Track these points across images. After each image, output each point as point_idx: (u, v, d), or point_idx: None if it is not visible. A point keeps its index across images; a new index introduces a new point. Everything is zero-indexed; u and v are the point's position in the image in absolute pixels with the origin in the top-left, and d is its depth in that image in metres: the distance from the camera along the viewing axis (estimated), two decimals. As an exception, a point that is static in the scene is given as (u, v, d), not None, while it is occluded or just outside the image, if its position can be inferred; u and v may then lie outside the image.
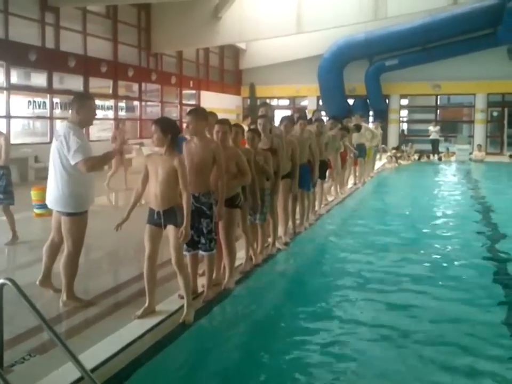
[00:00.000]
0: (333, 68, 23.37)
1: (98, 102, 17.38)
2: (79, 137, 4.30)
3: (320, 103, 25.43)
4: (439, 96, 26.15)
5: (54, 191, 4.38)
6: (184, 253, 4.45)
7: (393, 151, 20.87)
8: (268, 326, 4.68)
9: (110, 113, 18.05)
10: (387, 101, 25.74)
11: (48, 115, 15.42)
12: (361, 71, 24.16)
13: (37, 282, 4.67)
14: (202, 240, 4.50)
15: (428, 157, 22.94)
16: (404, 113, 27.69)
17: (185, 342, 3.99)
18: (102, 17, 17.69)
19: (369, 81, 24.31)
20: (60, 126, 4.60)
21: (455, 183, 16.55)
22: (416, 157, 22.71)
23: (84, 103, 4.46)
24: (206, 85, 23.80)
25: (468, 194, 13.81)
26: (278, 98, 28.96)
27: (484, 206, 11.51)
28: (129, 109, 19.18)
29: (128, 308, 4.43)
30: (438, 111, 26.75)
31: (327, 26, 20.10)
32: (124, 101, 18.96)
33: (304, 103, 27.60)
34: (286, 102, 28.90)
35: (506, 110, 25.19)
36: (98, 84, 17.57)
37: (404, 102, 27.13)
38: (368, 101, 24.75)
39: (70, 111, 4.50)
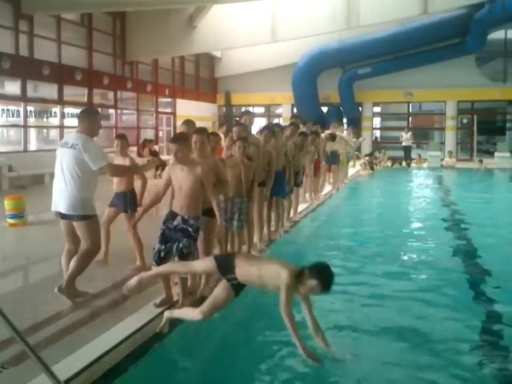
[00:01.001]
0: (307, 76, 23.67)
1: (72, 110, 17.33)
2: (96, 145, 4.74)
3: (295, 110, 25.71)
4: (411, 104, 26.71)
5: (69, 196, 4.63)
6: (153, 266, 4.49)
7: (367, 158, 21.19)
8: (240, 335, 4.70)
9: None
10: (360, 108, 26.17)
11: (22, 123, 15.31)
12: (335, 79, 24.53)
13: (56, 290, 4.69)
14: (176, 258, 4.48)
15: (400, 163, 23.35)
16: (377, 120, 28.18)
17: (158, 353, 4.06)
18: (76, 25, 17.67)
19: (343, 89, 24.68)
20: (70, 136, 4.89)
21: (427, 189, 16.89)
22: (389, 163, 23.11)
23: (95, 117, 4.91)
24: (181, 92, 23.86)
25: (439, 200, 14.15)
26: (254, 106, 29.13)
27: (454, 211, 11.81)
28: (105, 117, 19.09)
29: (104, 317, 4.45)
30: (410, 118, 27.30)
31: (301, 35, 20.39)
32: (99, 109, 18.88)
33: (279, 111, 27.88)
34: (261, 110, 29.14)
35: (475, 117, 25.85)
36: (73, 92, 17.50)
37: (377, 109, 27.61)
38: (341, 108, 25.12)
39: (79, 123, 4.83)
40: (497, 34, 24.39)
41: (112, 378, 3.59)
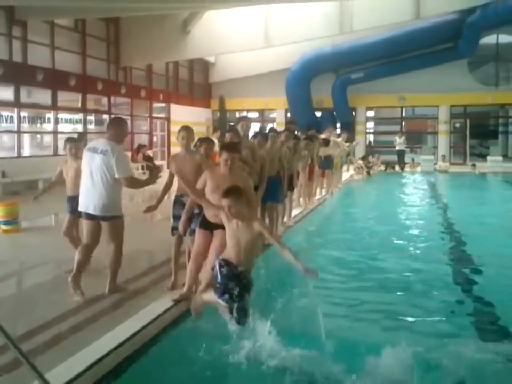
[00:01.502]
0: (301, 80, 23.78)
1: (66, 116, 17.34)
2: (124, 154, 5.14)
3: (289, 115, 25.80)
4: (404, 108, 26.85)
5: (99, 199, 4.98)
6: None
7: (360, 161, 21.27)
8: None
9: (79, 127, 17.98)
10: (354, 113, 26.28)
11: (16, 129, 15.30)
12: (328, 83, 24.64)
13: (70, 279, 5.05)
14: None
15: (394, 167, 23.44)
16: (370, 125, 28.30)
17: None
18: (70, 31, 17.70)
19: (336, 94, 24.79)
20: (99, 142, 5.22)
21: (420, 193, 16.97)
22: (382, 167, 23.20)
23: (121, 126, 5.31)
24: (175, 98, 23.90)
25: (432, 204, 14.23)
26: (248, 111, 29.22)
27: (448, 216, 11.88)
28: (99, 122, 19.12)
29: (103, 320, 4.50)
30: (403, 122, 27.43)
31: (294, 40, 20.50)
32: (93, 114, 18.92)
33: (273, 115, 27.96)
34: (255, 115, 29.22)
35: (468, 121, 26.02)
36: (67, 97, 17.51)
37: (370, 114, 27.74)
38: (335, 113, 25.22)
39: (107, 130, 5.22)
40: (489, 39, 24.58)
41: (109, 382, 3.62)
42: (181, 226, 5.27)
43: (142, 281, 5.76)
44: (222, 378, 4.03)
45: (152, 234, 8.38)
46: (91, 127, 18.56)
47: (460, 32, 22.47)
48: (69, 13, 15.78)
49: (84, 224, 5.19)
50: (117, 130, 5.20)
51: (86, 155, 5.14)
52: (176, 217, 5.38)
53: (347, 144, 17.37)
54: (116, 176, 4.95)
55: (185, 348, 4.21)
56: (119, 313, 4.71)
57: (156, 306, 4.82)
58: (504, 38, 24.88)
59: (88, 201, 5.03)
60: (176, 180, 5.32)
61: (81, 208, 5.13)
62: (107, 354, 3.80)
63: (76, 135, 13.93)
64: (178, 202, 5.48)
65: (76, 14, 16.66)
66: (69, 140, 6.35)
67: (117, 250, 5.17)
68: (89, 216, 5.08)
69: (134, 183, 5.25)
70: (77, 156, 6.09)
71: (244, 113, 29.60)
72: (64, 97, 17.25)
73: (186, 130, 5.48)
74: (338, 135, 17.04)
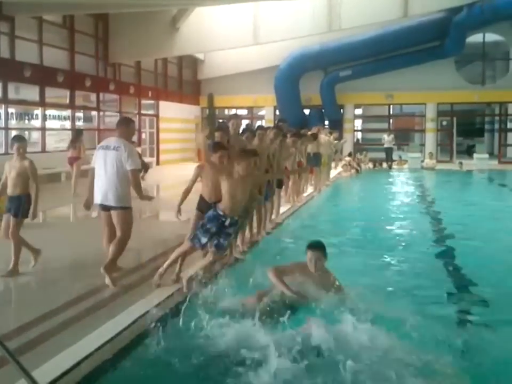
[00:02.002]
0: (289, 78, 23.88)
1: (54, 112, 17.30)
2: (134, 150, 5.64)
3: (278, 113, 25.91)
4: (391, 106, 27.07)
5: (114, 190, 5.40)
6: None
7: (348, 158, 21.40)
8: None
9: (67, 124, 17.93)
10: (342, 110, 26.44)
11: (3, 126, 15.24)
12: (317, 81, 24.77)
13: (102, 269, 5.39)
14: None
15: (381, 164, 23.62)
16: (358, 122, 28.50)
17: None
18: (58, 27, 17.64)
19: (324, 92, 24.93)
20: (111, 140, 5.65)
21: (407, 190, 17.16)
22: (370, 165, 23.37)
23: (129, 125, 5.77)
24: (164, 95, 23.88)
25: (419, 200, 14.42)
26: (236, 108, 29.27)
27: (435, 212, 12.04)
28: (87, 119, 19.09)
29: (87, 320, 4.47)
30: (391, 120, 27.66)
31: (283, 38, 20.61)
32: (82, 111, 18.87)
33: (262, 113, 28.05)
34: (244, 112, 29.29)
35: (455, 119, 26.29)
36: (55, 94, 17.46)
37: (358, 111, 27.92)
38: (323, 110, 25.36)
39: (117, 129, 5.73)
40: (475, 38, 24.85)
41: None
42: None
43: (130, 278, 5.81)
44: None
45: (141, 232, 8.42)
46: (79, 123, 18.51)
47: (447, 31, 22.70)
48: (57, 9, 15.73)
49: (102, 217, 5.64)
50: (126, 129, 5.68)
51: (99, 153, 5.53)
52: (206, 231, 5.34)
53: (335, 142, 17.51)
54: (127, 168, 5.38)
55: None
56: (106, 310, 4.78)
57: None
58: (490, 37, 25.19)
59: (104, 194, 5.43)
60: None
61: (97, 200, 5.52)
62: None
63: (74, 132, 13.94)
64: (216, 218, 5.39)
65: (64, 10, 16.62)
66: (16, 139, 6.15)
67: (122, 239, 5.50)
68: (104, 207, 5.51)
69: (138, 178, 5.63)
70: (23, 156, 5.99)
71: (233, 111, 29.71)
72: (52, 94, 17.21)
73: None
74: (330, 133, 17.19)
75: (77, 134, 13.87)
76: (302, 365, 3.74)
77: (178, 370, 3.84)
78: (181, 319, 4.48)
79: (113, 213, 5.45)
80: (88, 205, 5.73)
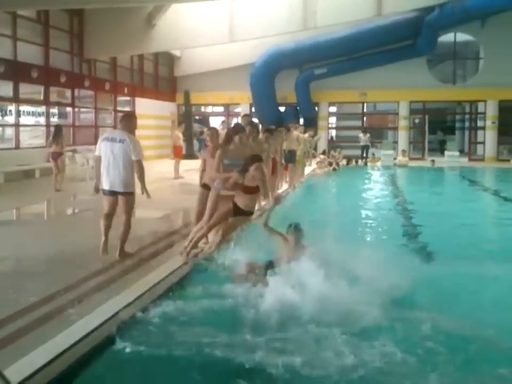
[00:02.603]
0: (265, 76, 24.05)
1: (28, 108, 17.16)
2: (138, 142, 6.31)
3: (253, 110, 26.09)
4: (365, 104, 27.48)
5: (122, 178, 6.19)
6: None
7: (323, 156, 21.69)
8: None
9: (42, 120, 17.82)
10: (316, 108, 26.75)
11: (-23, 121, 15.11)
12: (292, 79, 25.02)
13: (101, 252, 6.27)
14: None
15: (356, 162, 23.99)
16: (333, 120, 28.85)
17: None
18: (32, 22, 17.47)
19: (299, 90, 25.20)
20: (115, 132, 6.49)
21: (381, 186, 17.54)
22: (344, 162, 23.71)
23: (131, 120, 6.52)
24: (140, 91, 23.85)
25: (391, 195, 14.79)
26: (213, 105, 29.44)
27: (406, 208, 12.40)
28: (62, 115, 18.97)
29: (61, 317, 4.44)
30: (365, 118, 28.07)
31: (259, 36, 20.76)
32: (56, 107, 18.75)
33: (238, 110, 28.17)
34: (220, 109, 29.44)
35: (427, 117, 26.85)
36: (29, 90, 17.33)
37: (333, 109, 28.27)
38: (298, 108, 25.63)
39: (120, 123, 6.46)
40: (447, 37, 25.39)
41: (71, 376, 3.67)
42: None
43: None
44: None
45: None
46: (54, 120, 18.40)
47: (419, 30, 23.13)
48: (32, 3, 15.52)
49: (106, 200, 6.38)
50: (129, 123, 6.42)
51: (105, 144, 6.25)
52: None
53: (310, 139, 17.75)
54: (133, 158, 6.17)
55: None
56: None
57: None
58: (461, 37, 25.76)
59: (111, 181, 6.21)
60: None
61: (105, 186, 6.27)
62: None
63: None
64: None
65: (39, 5, 16.45)
66: None
67: (127, 222, 6.36)
68: (112, 193, 6.29)
69: (142, 167, 6.33)
70: None
71: (209, 108, 29.85)
72: (26, 90, 17.07)
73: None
74: (305, 132, 17.42)
75: (57, 130, 13.90)
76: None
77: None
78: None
79: (120, 198, 6.30)
80: (97, 189, 6.39)
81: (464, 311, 4.82)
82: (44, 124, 17.77)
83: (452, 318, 4.59)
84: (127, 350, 4.01)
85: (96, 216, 10.21)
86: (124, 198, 6.29)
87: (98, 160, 6.29)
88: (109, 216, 6.43)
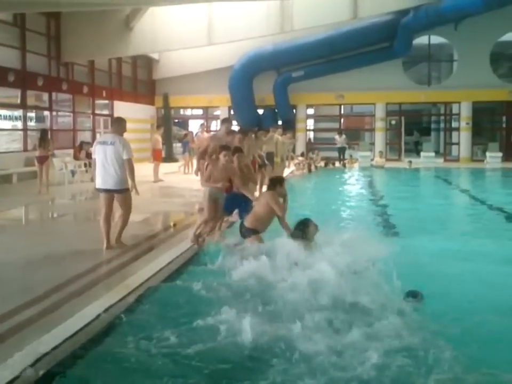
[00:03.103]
0: (243, 78, 24.22)
1: (4, 112, 17.06)
2: (128, 142, 6.98)
3: (232, 112, 26.23)
4: (342, 106, 27.80)
5: (114, 177, 6.82)
6: None
7: (301, 158, 21.91)
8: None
9: (19, 124, 17.71)
10: (294, 110, 26.99)
11: (-47, 126, 14.97)
12: (270, 82, 25.23)
13: (104, 248, 6.90)
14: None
15: (334, 164, 24.21)
16: (310, 122, 29.13)
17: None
18: (9, 25, 17.37)
19: (278, 92, 25.41)
20: (107, 136, 7.32)
21: (358, 186, 17.82)
22: (322, 164, 23.92)
23: (121, 123, 7.17)
24: (119, 94, 23.81)
25: (369, 197, 15.03)
26: (192, 108, 29.51)
27: (383, 208, 12.65)
28: (39, 119, 18.88)
29: (38, 324, 4.40)
30: (342, 119, 28.39)
31: (237, 38, 20.94)
32: (34, 111, 18.65)
33: (217, 113, 28.30)
34: (199, 112, 29.55)
35: (403, 118, 27.28)
36: (6, 94, 17.25)
37: (310, 111, 28.55)
38: (276, 110, 25.84)
39: (111, 127, 7.35)
40: (421, 40, 25.84)
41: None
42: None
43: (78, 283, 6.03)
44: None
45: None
46: (31, 124, 18.30)
47: (395, 33, 23.50)
48: (7, 7, 15.46)
49: (102, 198, 6.98)
50: (119, 126, 7.09)
51: (98, 147, 6.93)
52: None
53: (289, 141, 17.96)
54: (124, 157, 6.80)
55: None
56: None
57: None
58: (435, 39, 26.23)
59: (105, 180, 6.83)
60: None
61: (98, 185, 6.92)
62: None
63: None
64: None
65: (14, 8, 16.39)
66: None
67: (126, 214, 7.07)
68: (106, 191, 6.91)
69: (132, 165, 6.93)
70: None
71: (188, 111, 29.92)
72: (3, 94, 16.99)
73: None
74: (283, 134, 17.61)
75: (43, 134, 14.01)
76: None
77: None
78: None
79: (117, 196, 6.94)
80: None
81: (415, 269, 6.13)
82: (21, 128, 17.67)
83: (405, 271, 5.60)
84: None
85: (75, 221, 10.34)
86: (120, 195, 6.97)
87: (94, 162, 6.99)
88: (107, 217, 7.02)
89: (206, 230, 7.54)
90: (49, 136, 14.17)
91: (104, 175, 6.85)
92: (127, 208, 7.07)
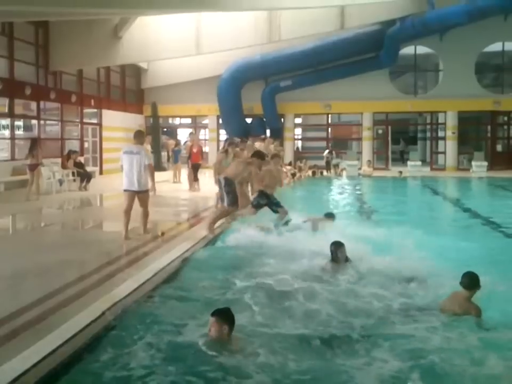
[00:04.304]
0: (231, 88, 24.35)
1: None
2: (148, 151, 8.99)
3: (220, 121, 26.35)
4: (330, 115, 28.02)
5: (138, 181, 8.37)
6: None
7: (289, 167, 21.99)
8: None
9: (6, 133, 17.65)
10: (282, 119, 27.15)
11: None
12: (258, 91, 25.37)
13: (123, 237, 8.31)
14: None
15: (321, 173, 24.27)
16: (298, 131, 29.30)
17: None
18: (-4, 34, 17.37)
19: (266, 101, 25.56)
20: (132, 146, 8.59)
21: (346, 196, 17.91)
22: (310, 173, 23.97)
23: (142, 136, 8.97)
24: (107, 103, 23.79)
25: (355, 200, 15.22)
26: (180, 117, 29.57)
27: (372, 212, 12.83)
28: (27, 128, 18.81)
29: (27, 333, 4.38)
30: (329, 129, 28.60)
31: (225, 48, 21.10)
32: (21, 119, 18.59)
33: (205, 122, 28.39)
34: (188, 121, 29.62)
35: (389, 128, 27.54)
36: (-7, 102, 17.19)
37: (298, 120, 28.73)
38: (265, 119, 25.98)
39: (134, 138, 8.70)
40: (408, 50, 26.18)
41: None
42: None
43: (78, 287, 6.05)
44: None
45: (84, 242, 8.58)
46: (19, 132, 18.23)
47: (382, 43, 23.81)
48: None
49: (126, 195, 8.49)
50: (141, 138, 8.84)
51: (125, 156, 8.38)
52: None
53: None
54: (146, 163, 8.34)
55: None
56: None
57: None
58: (421, 49, 26.59)
59: (131, 183, 8.37)
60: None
61: (125, 187, 8.46)
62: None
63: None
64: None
65: (3, 17, 16.41)
66: None
67: (146, 210, 8.73)
68: (131, 191, 8.44)
69: (153, 169, 8.56)
70: None
71: (177, 120, 29.98)
72: (-10, 102, 16.93)
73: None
74: (272, 142, 17.71)
75: (33, 143, 14.43)
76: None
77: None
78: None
79: (139, 195, 8.48)
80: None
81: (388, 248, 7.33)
82: (9, 136, 17.60)
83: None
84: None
85: (63, 230, 10.32)
86: (141, 194, 8.50)
87: (121, 168, 8.52)
88: (128, 211, 8.48)
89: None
90: (38, 146, 14.34)
91: (130, 179, 8.36)
92: (145, 205, 8.65)
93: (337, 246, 6.50)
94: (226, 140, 12.18)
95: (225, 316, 4.29)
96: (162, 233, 9.09)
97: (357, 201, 15.35)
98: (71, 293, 5.53)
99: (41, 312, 4.91)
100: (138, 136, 8.77)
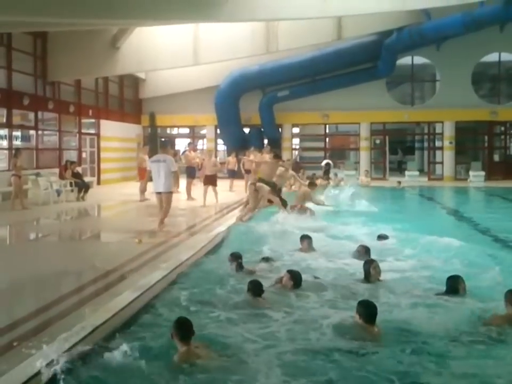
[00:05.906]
0: (229, 98, 24.41)
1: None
2: (174, 160, 10.51)
3: (218, 132, 26.39)
4: (327, 125, 28.08)
5: (165, 183, 10.07)
6: None
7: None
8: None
9: (4, 143, 17.63)
10: (280, 129, 27.20)
11: None
12: (256, 101, 25.43)
13: (157, 228, 10.09)
14: None
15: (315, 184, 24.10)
16: (296, 141, 29.35)
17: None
18: (-6, 45, 17.40)
19: (263, 111, 25.61)
20: (159, 155, 10.42)
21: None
22: (307, 183, 23.87)
23: (166, 146, 11.39)
24: (105, 113, 23.78)
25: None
26: (178, 127, 29.62)
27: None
28: (25, 138, 18.78)
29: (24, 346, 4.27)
30: (327, 139, 28.65)
31: (222, 58, 21.20)
32: (19, 130, 18.58)
33: (203, 132, 28.44)
34: (186, 131, 29.68)
35: (387, 137, 27.60)
36: (-9, 113, 17.18)
37: (296, 130, 28.78)
38: (262, 130, 26.02)
39: (160, 149, 11.48)
40: (405, 60, 26.30)
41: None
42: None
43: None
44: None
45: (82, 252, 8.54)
46: (17, 143, 18.20)
47: (379, 54, 23.93)
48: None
49: (156, 197, 10.37)
50: (166, 148, 10.83)
51: (153, 164, 10.18)
52: None
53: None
54: (172, 170, 10.08)
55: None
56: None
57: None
58: (418, 60, 26.71)
59: (160, 185, 10.07)
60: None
61: (154, 190, 10.33)
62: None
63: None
64: None
65: (1, 28, 16.44)
66: None
67: (168, 207, 10.20)
68: (159, 193, 10.21)
69: (178, 175, 10.92)
70: None
71: (175, 130, 30.04)
72: (-12, 113, 16.91)
73: None
74: (269, 153, 17.69)
75: (16, 152, 14.46)
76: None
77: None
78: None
79: (164, 195, 10.11)
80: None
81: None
82: (7, 147, 17.58)
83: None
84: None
85: (60, 241, 10.25)
86: (166, 195, 10.17)
87: (149, 174, 10.36)
88: (161, 208, 10.21)
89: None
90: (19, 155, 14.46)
91: (157, 183, 10.09)
92: (168, 204, 10.21)
93: (369, 263, 6.50)
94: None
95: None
96: (139, 241, 8.92)
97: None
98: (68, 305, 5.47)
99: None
100: (164, 147, 11.03)
